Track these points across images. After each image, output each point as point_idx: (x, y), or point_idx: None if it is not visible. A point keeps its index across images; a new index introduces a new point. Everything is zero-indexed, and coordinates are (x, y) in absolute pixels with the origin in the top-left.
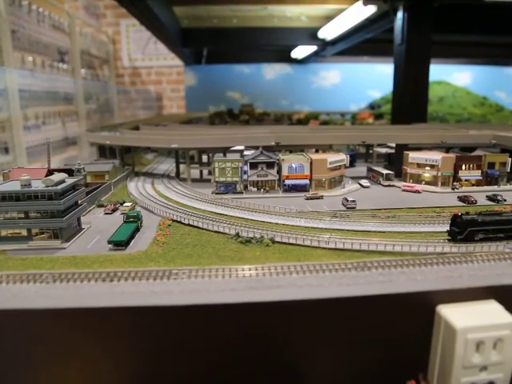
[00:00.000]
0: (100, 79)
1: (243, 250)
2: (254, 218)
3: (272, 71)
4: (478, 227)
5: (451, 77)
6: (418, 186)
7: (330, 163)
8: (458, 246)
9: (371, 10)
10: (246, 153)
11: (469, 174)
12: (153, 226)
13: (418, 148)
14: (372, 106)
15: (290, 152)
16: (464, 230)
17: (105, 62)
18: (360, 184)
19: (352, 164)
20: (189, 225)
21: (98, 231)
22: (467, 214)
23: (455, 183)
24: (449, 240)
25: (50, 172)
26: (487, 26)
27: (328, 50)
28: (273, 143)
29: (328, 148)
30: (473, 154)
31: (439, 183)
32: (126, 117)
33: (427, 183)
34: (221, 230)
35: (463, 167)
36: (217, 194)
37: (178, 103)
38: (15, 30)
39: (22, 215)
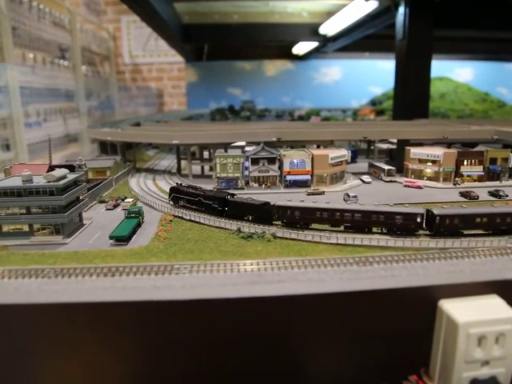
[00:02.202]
0: (101, 76)
1: (245, 245)
2: None
3: (273, 67)
4: (178, 194)
5: (453, 73)
6: (419, 182)
7: (332, 159)
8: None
9: (372, 5)
10: (247, 149)
11: (470, 169)
12: (154, 222)
13: (420, 144)
14: (373, 103)
15: (292, 148)
16: (170, 195)
17: (106, 58)
18: (361, 180)
19: (353, 160)
20: (190, 220)
21: (100, 227)
22: (180, 184)
23: (457, 179)
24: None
25: (52, 168)
26: (489, 21)
27: (329, 46)
28: (274, 139)
29: (329, 144)
30: (474, 149)
31: (441, 179)
32: (126, 114)
33: (429, 179)
34: (222, 225)
35: (465, 163)
36: (218, 189)
37: (179, 100)
38: (16, 27)
39: (24, 211)
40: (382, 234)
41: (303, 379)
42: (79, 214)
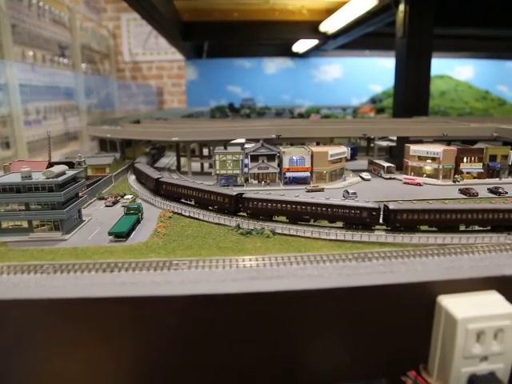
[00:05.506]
0: (101, 74)
1: (244, 241)
2: None
3: (273, 65)
4: None
5: (453, 71)
6: (419, 179)
7: (331, 156)
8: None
9: (373, 2)
10: (246, 146)
11: (470, 166)
12: (153, 218)
13: (419, 141)
14: (373, 101)
15: (291, 145)
16: None
17: (105, 56)
18: (361, 177)
19: (353, 157)
20: (189, 217)
21: (99, 223)
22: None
23: (456, 176)
24: None
25: (51, 164)
26: (490, 19)
27: (329, 44)
28: (274, 136)
29: (329, 141)
30: (474, 146)
31: (440, 176)
32: (127, 111)
33: (428, 176)
34: (221, 221)
35: (465, 160)
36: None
37: (179, 98)
38: (15, 25)
39: (23, 207)
40: (339, 227)
41: (301, 375)
42: (78, 211)
